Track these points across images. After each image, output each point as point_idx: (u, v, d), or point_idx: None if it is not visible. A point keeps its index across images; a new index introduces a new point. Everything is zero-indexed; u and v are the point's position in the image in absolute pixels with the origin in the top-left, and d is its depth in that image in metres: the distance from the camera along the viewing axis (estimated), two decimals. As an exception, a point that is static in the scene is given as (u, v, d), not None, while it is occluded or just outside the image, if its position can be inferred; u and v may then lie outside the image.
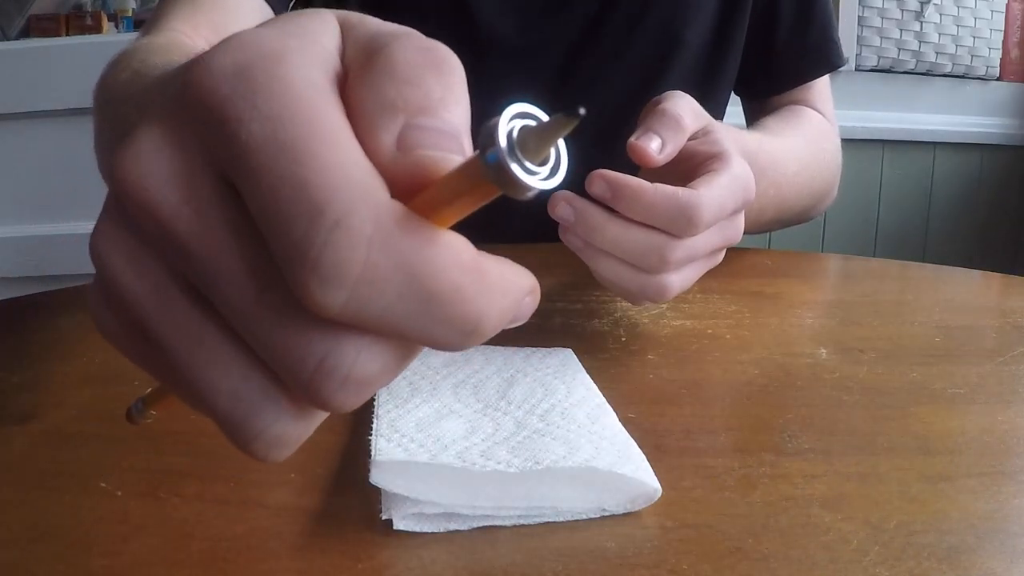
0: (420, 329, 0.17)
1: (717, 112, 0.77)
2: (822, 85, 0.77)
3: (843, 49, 0.77)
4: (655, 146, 0.41)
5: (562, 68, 0.70)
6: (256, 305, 0.17)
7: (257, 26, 0.18)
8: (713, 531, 0.27)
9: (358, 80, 0.17)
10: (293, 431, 0.19)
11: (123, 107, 0.36)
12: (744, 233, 0.46)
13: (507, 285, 0.18)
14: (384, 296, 0.16)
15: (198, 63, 0.17)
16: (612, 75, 0.71)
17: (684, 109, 0.43)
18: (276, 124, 0.15)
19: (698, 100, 0.68)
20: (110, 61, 0.46)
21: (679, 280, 0.41)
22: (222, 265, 0.17)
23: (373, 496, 0.27)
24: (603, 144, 0.70)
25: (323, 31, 0.18)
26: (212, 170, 0.16)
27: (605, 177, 0.39)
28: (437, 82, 0.17)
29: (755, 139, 0.57)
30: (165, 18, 0.55)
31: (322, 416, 0.19)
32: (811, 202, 0.69)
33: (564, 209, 0.40)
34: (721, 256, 0.44)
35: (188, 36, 0.53)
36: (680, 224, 0.39)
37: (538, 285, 0.20)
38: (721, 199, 0.40)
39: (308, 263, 0.15)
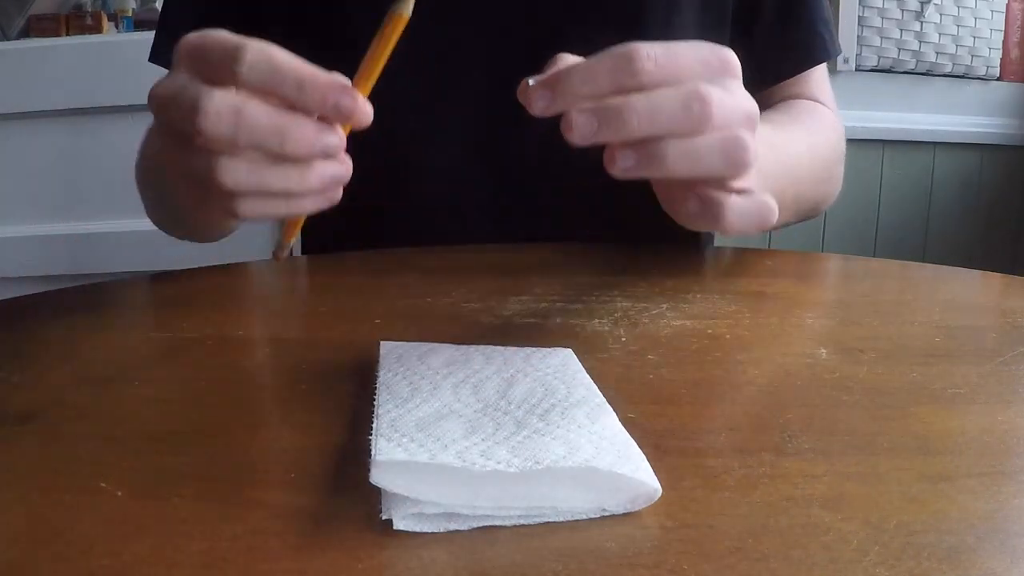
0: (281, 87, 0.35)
1: None
2: (818, 77, 0.76)
3: (835, 42, 0.76)
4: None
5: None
6: (187, 93, 0.35)
7: None
8: (713, 531, 0.27)
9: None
10: (233, 168, 0.35)
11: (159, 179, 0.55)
12: (771, 223, 0.45)
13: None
14: (257, 70, 0.34)
15: (176, 48, 0.37)
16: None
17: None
18: (216, 40, 0.36)
19: None
20: (141, 146, 0.66)
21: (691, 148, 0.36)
22: (183, 92, 0.36)
23: (373, 496, 0.27)
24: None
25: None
26: (188, 72, 0.36)
27: (538, 84, 0.36)
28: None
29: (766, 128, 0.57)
30: None
31: (263, 172, 0.36)
32: (823, 188, 0.69)
33: (543, 99, 0.36)
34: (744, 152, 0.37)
35: None
36: (620, 66, 0.35)
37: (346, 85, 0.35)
38: (672, 46, 0.37)
39: (230, 59, 0.34)
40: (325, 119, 0.36)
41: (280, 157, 0.36)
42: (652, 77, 0.36)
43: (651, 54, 0.36)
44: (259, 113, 0.34)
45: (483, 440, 0.30)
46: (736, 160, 0.37)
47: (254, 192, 0.37)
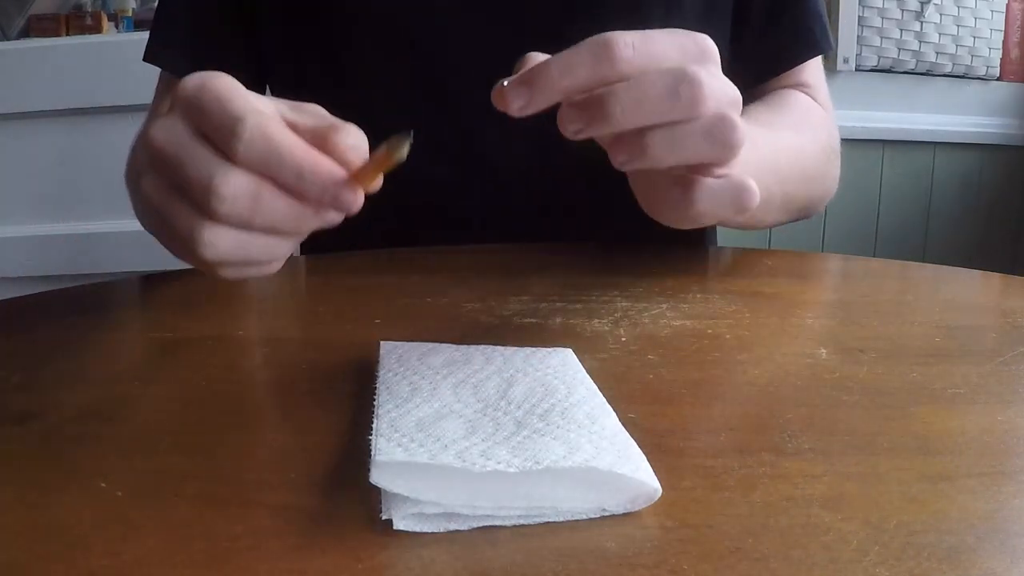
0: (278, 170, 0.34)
1: None
2: (811, 74, 0.75)
3: (828, 37, 0.75)
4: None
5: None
6: (194, 162, 0.34)
7: None
8: (713, 531, 0.27)
9: (293, 113, 0.36)
10: (215, 238, 0.34)
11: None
12: (757, 222, 0.43)
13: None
14: (255, 149, 0.33)
15: (181, 83, 0.36)
16: None
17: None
18: (214, 94, 0.34)
19: None
20: (132, 147, 0.68)
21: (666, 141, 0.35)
22: (185, 154, 0.34)
23: (373, 496, 0.27)
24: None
25: (254, 94, 0.37)
26: (186, 123, 0.35)
27: (512, 81, 0.35)
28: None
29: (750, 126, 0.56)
30: (161, 107, 0.69)
31: (246, 242, 0.35)
32: (813, 187, 0.68)
33: (519, 98, 0.35)
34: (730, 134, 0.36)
35: None
36: (598, 56, 0.34)
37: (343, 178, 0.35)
38: (649, 32, 0.35)
39: (229, 133, 0.33)
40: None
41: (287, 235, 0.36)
42: (632, 64, 0.34)
43: (628, 41, 0.34)
44: (278, 204, 0.34)
45: (483, 440, 0.30)
46: (726, 142, 0.35)
47: (237, 263, 0.36)
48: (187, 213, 0.34)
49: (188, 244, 0.34)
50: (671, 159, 0.36)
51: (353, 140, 0.35)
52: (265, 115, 0.33)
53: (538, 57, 0.38)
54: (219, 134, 0.33)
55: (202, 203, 0.33)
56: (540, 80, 0.34)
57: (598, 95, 0.35)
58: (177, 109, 0.35)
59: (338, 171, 0.34)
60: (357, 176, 0.35)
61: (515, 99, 0.35)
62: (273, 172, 0.33)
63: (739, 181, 0.38)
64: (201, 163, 0.33)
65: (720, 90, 0.36)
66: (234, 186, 0.33)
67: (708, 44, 0.37)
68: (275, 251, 0.36)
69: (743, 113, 0.63)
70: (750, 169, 0.44)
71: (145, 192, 0.36)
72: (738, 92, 0.38)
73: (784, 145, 0.61)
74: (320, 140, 0.35)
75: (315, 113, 0.37)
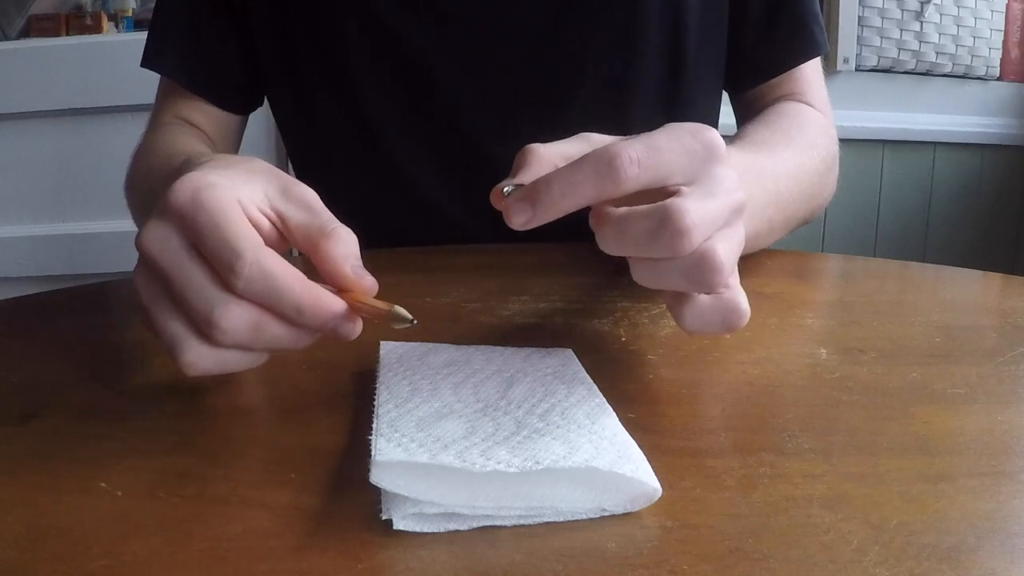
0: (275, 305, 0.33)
1: (705, 116, 0.76)
2: (809, 74, 0.74)
3: (825, 39, 0.74)
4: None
5: (519, 85, 0.69)
6: (193, 288, 0.33)
7: (210, 162, 0.39)
8: (713, 531, 0.27)
9: (282, 204, 0.37)
10: (200, 358, 0.34)
11: (145, 203, 0.55)
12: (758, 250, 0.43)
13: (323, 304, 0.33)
14: (254, 286, 0.32)
15: (173, 189, 0.34)
16: (572, 91, 0.69)
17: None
18: (209, 218, 0.33)
19: (671, 104, 0.64)
20: (133, 156, 0.69)
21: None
22: (183, 276, 0.34)
23: (373, 496, 0.27)
24: (557, 112, 0.69)
25: (242, 177, 0.37)
26: (180, 237, 0.34)
27: (516, 198, 0.35)
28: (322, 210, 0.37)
29: (749, 155, 0.55)
30: (160, 114, 0.73)
31: (228, 359, 0.34)
32: (813, 203, 0.67)
33: (523, 215, 0.35)
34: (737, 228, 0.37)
35: (179, 130, 0.71)
36: (601, 175, 0.33)
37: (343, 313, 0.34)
38: (652, 139, 0.34)
39: (227, 268, 0.32)
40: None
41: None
42: (638, 181, 0.34)
43: (633, 157, 0.33)
44: (278, 331, 0.34)
45: (483, 440, 0.30)
46: (704, 280, 0.34)
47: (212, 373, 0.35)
48: (178, 326, 0.34)
49: (170, 352, 0.34)
50: (654, 285, 0.36)
51: (344, 248, 0.35)
52: (261, 249, 0.33)
53: (538, 154, 0.38)
54: (217, 264, 0.33)
55: (202, 330, 0.33)
56: (543, 199, 0.34)
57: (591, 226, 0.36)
58: (170, 219, 0.34)
59: (337, 305, 0.33)
60: (352, 302, 0.34)
61: (517, 215, 0.35)
62: (273, 307, 0.33)
63: (729, 303, 0.37)
64: (200, 292, 0.33)
65: (710, 217, 0.34)
66: (235, 318, 0.33)
67: (715, 141, 0.36)
68: (254, 363, 0.35)
69: (744, 135, 0.62)
70: (754, 201, 0.44)
71: (136, 284, 0.35)
72: (741, 194, 0.36)
73: (785, 169, 0.60)
74: (311, 246, 0.35)
75: (305, 202, 0.37)
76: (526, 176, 0.37)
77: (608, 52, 0.69)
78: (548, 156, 0.39)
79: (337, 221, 0.37)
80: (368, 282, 0.36)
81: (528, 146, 0.39)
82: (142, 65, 0.74)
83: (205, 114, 0.73)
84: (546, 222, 0.35)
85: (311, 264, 0.36)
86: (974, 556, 0.25)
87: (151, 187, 0.55)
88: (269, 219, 0.36)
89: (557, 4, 0.67)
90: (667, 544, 0.26)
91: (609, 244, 0.35)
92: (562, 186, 0.34)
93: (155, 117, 0.74)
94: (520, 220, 0.35)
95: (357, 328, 0.34)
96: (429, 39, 0.68)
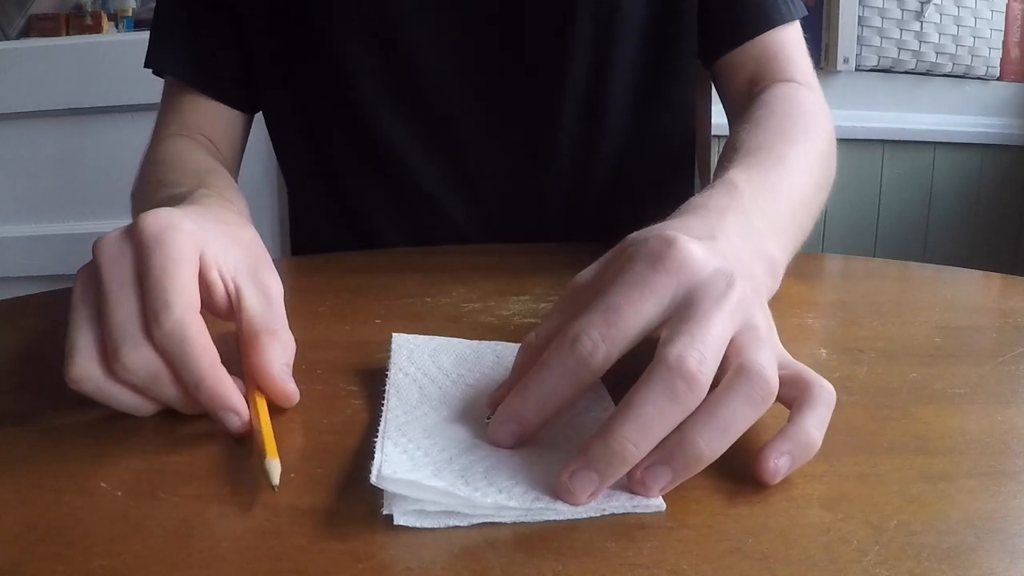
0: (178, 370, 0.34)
1: (679, 90, 0.74)
2: (785, 42, 0.70)
3: (796, 4, 0.71)
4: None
5: (491, 67, 0.69)
6: (118, 314, 0.34)
7: (204, 205, 0.46)
8: (713, 531, 0.27)
9: (244, 282, 0.38)
10: (87, 380, 0.33)
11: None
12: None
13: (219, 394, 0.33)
14: (168, 343, 0.33)
15: (146, 217, 0.36)
16: (552, 64, 0.69)
17: None
18: (162, 260, 0.34)
19: (647, 74, 0.62)
20: (141, 165, 0.68)
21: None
22: (115, 299, 0.34)
23: (373, 496, 0.27)
24: (548, 121, 0.68)
25: (221, 238, 0.39)
26: (132, 263, 0.35)
27: (501, 424, 0.31)
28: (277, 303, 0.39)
29: (756, 174, 0.51)
30: (167, 123, 0.73)
31: (112, 393, 0.34)
32: (826, 190, 0.64)
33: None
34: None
35: (187, 145, 0.70)
36: (571, 369, 0.30)
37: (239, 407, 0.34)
38: (597, 305, 0.31)
39: (153, 315, 0.33)
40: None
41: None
42: (609, 360, 0.31)
43: (594, 337, 0.30)
44: (170, 391, 0.34)
45: (487, 455, 0.29)
46: (758, 396, 0.30)
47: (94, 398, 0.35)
48: (86, 338, 0.34)
49: (66, 356, 0.34)
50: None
51: (280, 351, 0.36)
52: (191, 311, 0.33)
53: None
54: (148, 306, 0.33)
55: (105, 355, 0.33)
56: (525, 417, 0.31)
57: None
58: (131, 242, 0.35)
59: (232, 397, 0.33)
60: (251, 412, 0.33)
61: (507, 440, 0.31)
62: (177, 369, 0.33)
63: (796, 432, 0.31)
64: (122, 321, 0.33)
65: (712, 344, 0.30)
66: (140, 360, 0.33)
67: (674, 260, 0.32)
68: (134, 410, 0.35)
69: (741, 145, 0.57)
70: (783, 222, 0.45)
71: (76, 277, 0.37)
72: (737, 294, 0.32)
73: (796, 170, 0.56)
74: (252, 335, 0.36)
75: (267, 292, 0.38)
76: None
77: (589, 34, 0.68)
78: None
79: (286, 325, 0.38)
80: (291, 389, 0.36)
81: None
82: (145, 66, 0.74)
83: (210, 116, 0.73)
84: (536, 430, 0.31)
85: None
86: (974, 556, 0.25)
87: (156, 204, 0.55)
88: (226, 288, 0.38)
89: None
90: (667, 544, 0.26)
91: (637, 438, 0.28)
92: (538, 399, 0.31)
93: (161, 124, 0.74)
94: (510, 443, 0.31)
95: (240, 425, 0.33)
96: (415, 35, 0.68)
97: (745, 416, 0.29)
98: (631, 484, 0.28)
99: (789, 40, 0.70)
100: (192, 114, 0.73)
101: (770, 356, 0.31)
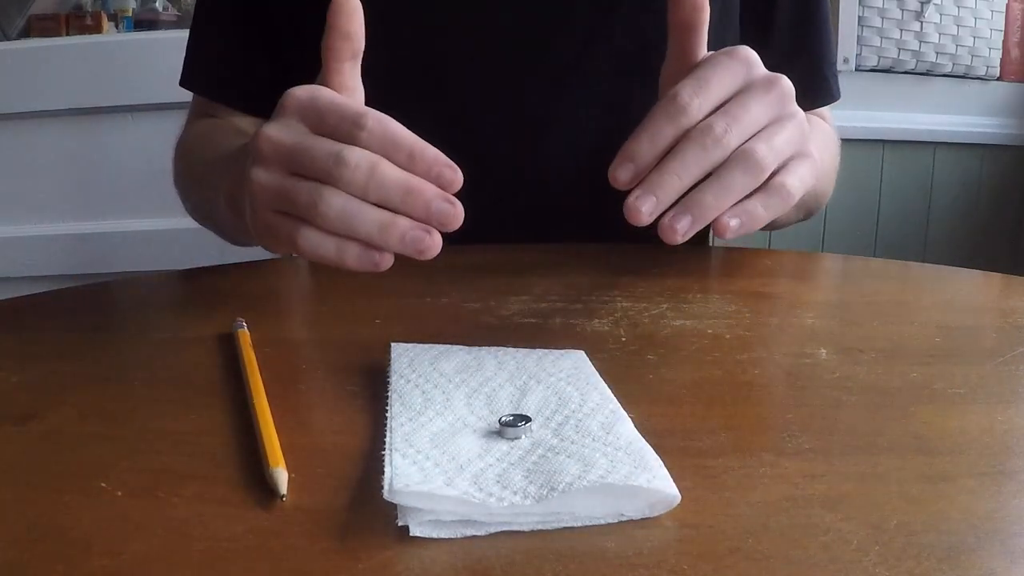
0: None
1: None
2: (823, 111, 0.77)
3: (838, 85, 0.76)
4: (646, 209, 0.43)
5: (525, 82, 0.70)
6: (316, 148, 0.39)
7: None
8: (713, 531, 0.27)
9: None
10: (335, 200, 0.39)
11: (220, 164, 0.57)
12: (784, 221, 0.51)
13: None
14: (375, 136, 0.40)
15: (290, 93, 0.42)
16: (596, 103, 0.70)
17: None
18: (327, 97, 0.41)
19: None
20: (178, 148, 0.72)
21: (744, 165, 0.43)
22: (305, 143, 0.40)
23: (374, 496, 0.27)
24: (555, 108, 0.69)
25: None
26: (301, 124, 0.41)
27: (617, 163, 0.43)
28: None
29: None
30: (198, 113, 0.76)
31: (343, 247, 0.41)
32: (828, 181, 0.71)
33: (647, 203, 0.42)
34: (807, 157, 0.47)
35: (229, 120, 0.74)
36: (672, 114, 0.42)
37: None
38: (698, 75, 0.44)
39: (352, 125, 0.39)
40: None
41: (397, 210, 0.40)
42: (701, 111, 0.43)
43: (690, 92, 0.43)
44: (391, 171, 0.39)
45: (498, 460, 0.29)
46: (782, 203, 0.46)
47: (341, 230, 0.40)
48: (308, 187, 0.39)
49: (308, 210, 0.39)
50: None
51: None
52: (383, 115, 0.40)
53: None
54: (341, 127, 0.39)
55: (328, 172, 0.38)
56: (636, 150, 0.44)
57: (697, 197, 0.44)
58: (290, 113, 0.41)
59: (443, 157, 0.39)
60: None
61: (623, 173, 0.44)
62: (390, 152, 0.38)
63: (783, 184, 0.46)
64: (327, 145, 0.39)
65: (713, 89, 0.45)
66: (358, 156, 0.38)
67: (748, 56, 0.46)
68: (380, 228, 0.39)
69: None
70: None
71: (258, 182, 0.40)
72: (749, 59, 0.46)
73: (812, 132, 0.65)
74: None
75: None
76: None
77: (618, 40, 0.69)
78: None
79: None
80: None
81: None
82: (181, 84, 0.75)
83: (246, 121, 0.74)
84: (644, 170, 0.43)
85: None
86: (974, 556, 0.25)
87: (219, 156, 0.60)
88: None
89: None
90: (667, 544, 0.26)
91: (651, 150, 0.43)
92: (646, 136, 0.42)
93: (194, 113, 0.76)
94: (626, 176, 0.43)
95: (458, 178, 0.39)
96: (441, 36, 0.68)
97: (744, 184, 0.43)
98: (662, 230, 0.42)
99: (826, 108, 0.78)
100: (225, 114, 0.74)
101: (781, 143, 0.45)
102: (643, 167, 0.42)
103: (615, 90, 0.70)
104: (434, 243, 0.40)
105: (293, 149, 0.40)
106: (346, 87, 0.44)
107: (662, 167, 0.43)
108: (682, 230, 0.42)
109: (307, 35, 0.72)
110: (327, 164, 0.38)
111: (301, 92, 0.41)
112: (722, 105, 0.44)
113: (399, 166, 0.39)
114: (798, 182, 0.45)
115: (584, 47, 0.69)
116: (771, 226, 0.59)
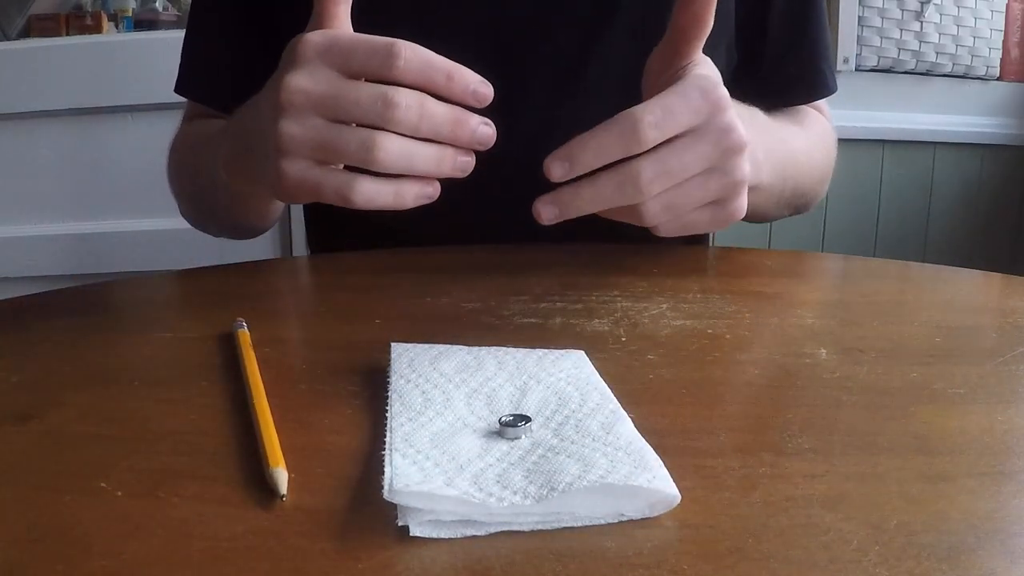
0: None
1: None
2: (820, 103, 0.77)
3: (835, 79, 0.77)
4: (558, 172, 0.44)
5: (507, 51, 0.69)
6: (359, 92, 0.39)
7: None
8: (713, 531, 0.27)
9: None
10: (389, 143, 0.40)
11: (219, 138, 0.55)
12: (763, 200, 0.52)
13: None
14: (413, 64, 0.40)
15: (302, 39, 0.41)
16: (556, 37, 0.70)
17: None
18: (348, 38, 0.40)
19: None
20: (172, 146, 0.72)
21: (661, 203, 0.45)
22: (345, 88, 0.40)
23: (374, 496, 0.27)
24: (557, 108, 0.69)
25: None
26: (327, 68, 0.40)
27: (556, 156, 0.42)
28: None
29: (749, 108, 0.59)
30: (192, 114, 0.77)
31: (399, 188, 0.43)
32: (817, 185, 0.71)
33: (549, 211, 0.44)
34: (735, 203, 0.47)
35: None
36: (627, 137, 0.42)
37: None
38: (667, 103, 0.43)
39: (386, 57, 0.39)
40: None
41: (446, 141, 0.41)
42: (655, 141, 0.43)
43: (651, 121, 0.42)
44: (439, 107, 0.40)
45: (498, 460, 0.29)
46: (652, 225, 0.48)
47: (400, 171, 0.41)
48: (358, 134, 0.39)
49: (362, 156, 0.39)
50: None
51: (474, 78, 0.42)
52: (413, 44, 0.40)
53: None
54: (375, 61, 0.39)
55: (379, 116, 0.39)
56: (578, 156, 0.43)
57: (623, 174, 0.45)
58: (310, 59, 0.40)
59: (475, 75, 0.40)
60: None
61: (556, 169, 0.43)
62: (429, 77, 0.39)
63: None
64: (369, 88, 0.39)
65: (698, 149, 0.45)
66: (406, 96, 0.38)
67: (720, 100, 0.45)
68: (438, 162, 0.41)
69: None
70: (769, 155, 0.51)
71: (289, 134, 0.40)
72: (714, 101, 0.45)
73: (795, 143, 0.65)
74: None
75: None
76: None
77: (621, 49, 0.69)
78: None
79: None
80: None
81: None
82: (176, 91, 0.75)
83: None
84: (578, 174, 0.42)
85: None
86: (974, 556, 0.25)
87: (212, 138, 0.60)
88: None
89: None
90: (667, 544, 0.26)
91: (593, 157, 0.43)
92: (594, 146, 0.41)
93: (187, 118, 0.76)
94: (559, 173, 0.42)
95: (490, 92, 0.41)
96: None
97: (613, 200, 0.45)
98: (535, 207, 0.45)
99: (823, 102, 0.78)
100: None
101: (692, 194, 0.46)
102: (575, 172, 0.43)
103: (617, 91, 0.70)
104: (473, 161, 0.42)
105: (330, 96, 0.39)
106: (344, 29, 0.44)
107: (579, 188, 0.44)
108: (557, 174, 0.44)
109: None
110: (375, 108, 0.38)
111: (316, 36, 0.40)
112: (674, 138, 0.45)
113: (439, 88, 0.40)
114: (676, 226, 0.48)
115: (586, 47, 0.69)
116: (751, 217, 0.60)
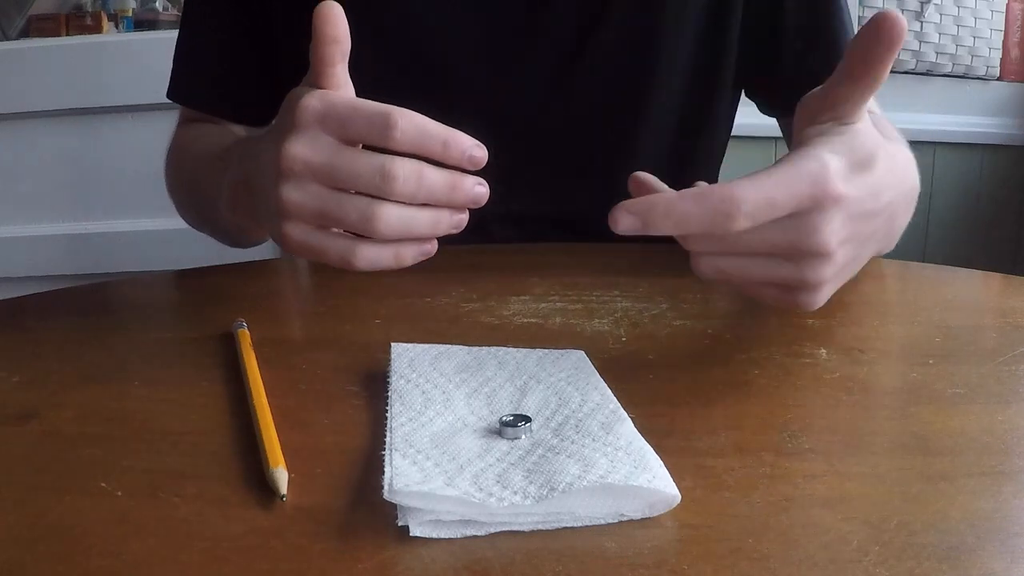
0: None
1: (717, 127, 0.76)
2: None
3: None
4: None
5: (531, 110, 0.70)
6: (357, 161, 0.39)
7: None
8: (713, 531, 0.27)
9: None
10: (388, 216, 0.40)
11: (221, 164, 0.54)
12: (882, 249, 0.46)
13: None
14: (409, 134, 0.39)
15: (300, 105, 0.40)
16: (585, 114, 0.70)
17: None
18: (351, 107, 0.40)
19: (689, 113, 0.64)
20: (170, 152, 0.72)
21: (709, 264, 0.38)
22: (344, 157, 0.39)
23: (374, 496, 0.27)
24: (591, 175, 0.69)
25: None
26: (326, 135, 0.40)
27: (629, 209, 0.36)
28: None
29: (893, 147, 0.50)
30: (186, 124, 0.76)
31: (399, 251, 0.42)
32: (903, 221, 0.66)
33: (630, 222, 0.37)
34: (802, 297, 0.40)
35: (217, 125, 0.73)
36: (717, 221, 0.36)
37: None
38: (771, 196, 0.36)
39: (383, 127, 0.39)
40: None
41: (442, 205, 0.41)
42: (744, 229, 0.36)
43: (748, 211, 0.35)
44: (436, 175, 0.40)
45: (498, 460, 0.29)
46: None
47: (398, 238, 0.42)
48: (359, 204, 0.40)
49: (362, 225, 0.40)
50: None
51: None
52: (408, 111, 0.40)
53: (656, 184, 0.42)
54: (372, 132, 0.39)
55: (378, 188, 0.39)
56: (655, 220, 0.36)
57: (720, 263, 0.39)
58: (309, 125, 0.40)
59: (469, 139, 0.41)
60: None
61: (624, 222, 0.37)
62: (425, 146, 0.39)
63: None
64: (366, 160, 0.39)
65: (787, 235, 0.38)
66: (403, 167, 0.39)
67: (826, 195, 0.37)
68: (433, 226, 0.41)
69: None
70: (902, 201, 0.46)
71: (291, 200, 0.40)
72: (816, 194, 0.37)
73: (905, 168, 0.58)
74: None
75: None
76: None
77: (627, 65, 0.69)
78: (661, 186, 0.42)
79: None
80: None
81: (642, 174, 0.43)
82: (169, 96, 0.75)
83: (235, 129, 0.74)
84: (645, 232, 0.37)
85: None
86: (974, 556, 0.25)
87: (213, 156, 0.60)
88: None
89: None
90: (667, 544, 0.26)
91: (672, 226, 0.37)
92: (677, 216, 0.36)
93: (181, 122, 0.75)
94: (625, 226, 0.37)
95: (484, 154, 0.41)
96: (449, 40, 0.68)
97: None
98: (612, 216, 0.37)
99: None
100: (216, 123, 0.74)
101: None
102: (644, 232, 0.38)
103: (609, 91, 0.70)
104: (467, 218, 0.42)
105: (329, 166, 0.40)
106: (340, 89, 0.44)
107: (662, 216, 0.37)
108: (624, 226, 0.38)
109: (301, 40, 0.72)
110: (374, 180, 0.39)
111: (313, 101, 0.40)
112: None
113: (435, 156, 0.40)
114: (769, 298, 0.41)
115: (577, 47, 0.69)
116: None
